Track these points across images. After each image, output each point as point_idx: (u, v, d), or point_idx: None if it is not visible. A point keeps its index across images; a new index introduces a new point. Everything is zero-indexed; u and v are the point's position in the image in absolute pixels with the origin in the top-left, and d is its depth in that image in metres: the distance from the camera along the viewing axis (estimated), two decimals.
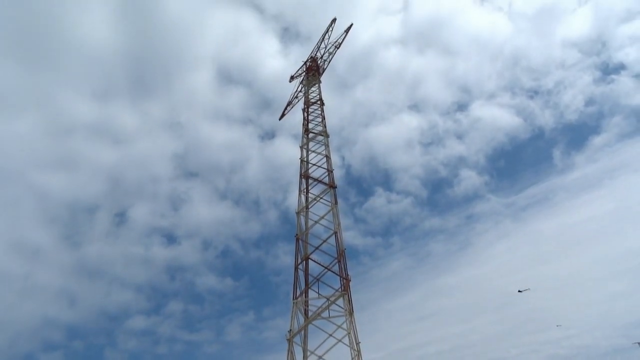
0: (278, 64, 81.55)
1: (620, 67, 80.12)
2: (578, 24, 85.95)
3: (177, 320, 71.75)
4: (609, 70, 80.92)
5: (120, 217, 76.88)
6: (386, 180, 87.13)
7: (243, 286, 79.70)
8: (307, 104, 43.66)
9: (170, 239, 78.83)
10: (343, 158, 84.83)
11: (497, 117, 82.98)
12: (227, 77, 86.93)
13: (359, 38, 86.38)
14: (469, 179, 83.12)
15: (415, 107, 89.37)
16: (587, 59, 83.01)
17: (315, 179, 40.86)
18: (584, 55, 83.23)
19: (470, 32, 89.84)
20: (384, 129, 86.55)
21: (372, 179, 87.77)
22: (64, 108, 74.54)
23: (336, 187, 40.53)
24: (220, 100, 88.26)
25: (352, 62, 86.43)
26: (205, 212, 79.89)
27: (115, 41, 78.35)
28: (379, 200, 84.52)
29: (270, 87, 77.34)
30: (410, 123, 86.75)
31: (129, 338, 68.57)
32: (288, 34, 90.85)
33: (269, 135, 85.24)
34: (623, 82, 79.48)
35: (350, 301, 48.52)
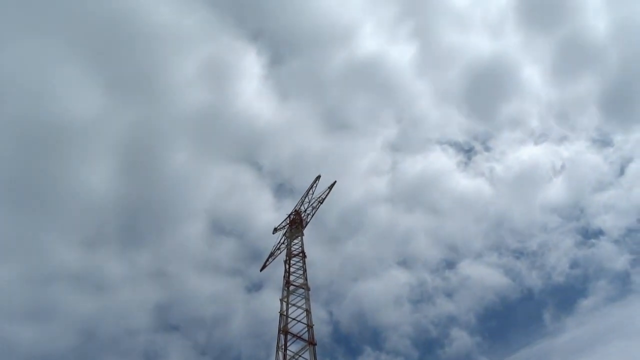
0: (271, 217, 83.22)
1: (599, 233, 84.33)
2: (555, 191, 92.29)
3: None
4: (589, 234, 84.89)
5: None
6: (375, 338, 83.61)
7: None
8: (289, 255, 43.79)
9: None
10: (331, 313, 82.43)
11: (486, 276, 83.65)
12: (220, 228, 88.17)
13: (350, 196, 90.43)
14: (461, 339, 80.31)
15: (404, 263, 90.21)
16: (568, 223, 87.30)
17: (294, 335, 38.99)
18: (564, 220, 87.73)
19: (455, 194, 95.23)
20: (374, 284, 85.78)
21: (360, 337, 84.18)
22: (49, 256, 72.96)
23: (316, 344, 38.49)
24: (211, 251, 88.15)
25: (343, 218, 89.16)
26: None
27: (113, 191, 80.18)
28: None
29: (262, 239, 77.92)
30: (399, 279, 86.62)
31: None
32: (282, 189, 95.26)
33: (255, 287, 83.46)
34: (603, 247, 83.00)
35: None
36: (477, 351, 79.86)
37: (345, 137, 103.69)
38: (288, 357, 40.25)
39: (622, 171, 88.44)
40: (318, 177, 49.86)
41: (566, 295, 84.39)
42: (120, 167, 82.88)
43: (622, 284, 77.81)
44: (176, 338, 79.95)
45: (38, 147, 73.30)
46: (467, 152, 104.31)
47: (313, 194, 49.79)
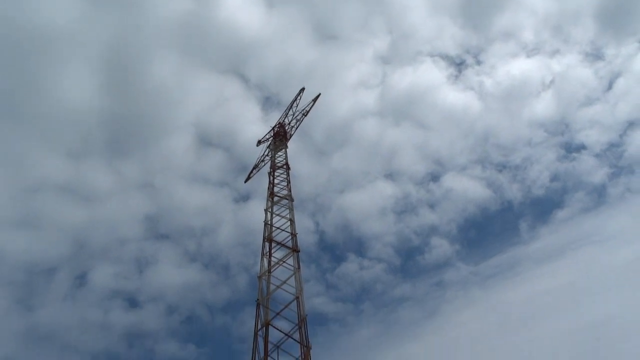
0: (258, 130, 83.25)
1: (581, 147, 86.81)
2: (543, 106, 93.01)
3: None
4: (572, 149, 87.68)
5: (80, 280, 73.69)
6: (359, 247, 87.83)
7: (206, 354, 76.17)
8: (273, 167, 44.38)
9: (132, 302, 75.64)
10: (317, 224, 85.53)
11: (468, 188, 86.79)
12: (207, 141, 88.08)
13: (338, 109, 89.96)
14: (440, 247, 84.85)
15: (390, 176, 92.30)
16: (553, 138, 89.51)
17: (278, 243, 40.72)
18: (549, 135, 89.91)
19: (443, 109, 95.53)
20: (359, 196, 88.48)
21: (345, 245, 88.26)
22: (34, 166, 72.93)
23: (299, 252, 40.37)
24: (198, 163, 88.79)
25: (330, 131, 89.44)
26: (173, 275, 77.54)
27: (96, 102, 78.65)
28: (351, 266, 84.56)
29: (249, 152, 78.36)
30: (384, 191, 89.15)
31: None
32: (269, 102, 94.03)
33: (243, 198, 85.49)
34: (584, 161, 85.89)
35: None
36: (455, 258, 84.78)
37: (335, 48, 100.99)
38: (273, 263, 42.44)
39: (610, 86, 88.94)
40: (302, 90, 49.16)
41: (543, 207, 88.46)
42: (102, 78, 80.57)
43: (597, 195, 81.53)
44: (166, 246, 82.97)
45: (16, 53, 70.57)
46: (458, 65, 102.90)
47: (297, 106, 49.41)
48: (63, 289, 73.01)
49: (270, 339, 47.51)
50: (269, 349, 48.02)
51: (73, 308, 73.18)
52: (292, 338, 47.66)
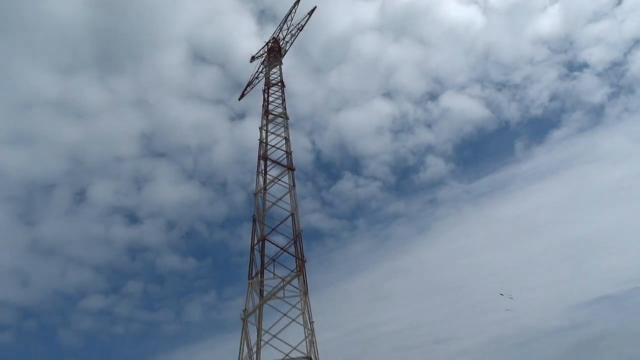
0: (253, 45, 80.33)
1: (583, 65, 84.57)
2: (548, 22, 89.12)
3: (136, 300, 70.82)
4: (574, 67, 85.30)
5: (80, 196, 74.83)
6: (355, 166, 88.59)
7: (206, 266, 79.57)
8: (268, 85, 43.50)
9: (132, 218, 77.54)
10: (314, 143, 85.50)
11: (467, 108, 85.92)
12: (200, 56, 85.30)
13: (336, 23, 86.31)
14: (435, 166, 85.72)
15: (388, 94, 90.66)
16: (555, 56, 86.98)
17: (273, 161, 40.99)
18: (552, 52, 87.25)
19: (445, 24, 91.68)
20: (356, 115, 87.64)
21: (341, 164, 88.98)
22: (24, 81, 71.23)
23: (294, 170, 40.80)
24: (192, 79, 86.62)
25: (327, 47, 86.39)
26: (171, 192, 78.79)
27: (84, 15, 75.11)
28: (346, 184, 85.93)
29: (244, 69, 76.34)
30: (382, 110, 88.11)
31: (83, 318, 67.17)
32: (265, 16, 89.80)
33: (239, 116, 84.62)
34: (585, 80, 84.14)
35: (305, 282, 49.28)
36: (449, 177, 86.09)
37: None
38: (268, 181, 42.99)
39: (619, 1, 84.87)
40: (297, 2, 46.83)
41: (540, 127, 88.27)
42: None
43: (595, 115, 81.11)
44: (163, 164, 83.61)
45: None
46: None
47: (292, 20, 47.34)
48: (63, 204, 74.57)
49: (266, 253, 49.43)
50: (265, 262, 50.15)
51: (74, 223, 75.24)
52: (287, 252, 49.50)
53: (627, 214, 67.00)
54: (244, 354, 45.87)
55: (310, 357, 45.49)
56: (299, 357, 45.82)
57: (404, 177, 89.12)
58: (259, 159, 41.58)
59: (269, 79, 44.31)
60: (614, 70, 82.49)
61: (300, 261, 47.75)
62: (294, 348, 45.85)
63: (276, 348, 46.45)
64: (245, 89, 49.25)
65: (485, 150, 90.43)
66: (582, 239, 67.69)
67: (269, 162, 41.91)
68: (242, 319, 47.23)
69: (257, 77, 47.84)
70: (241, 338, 46.54)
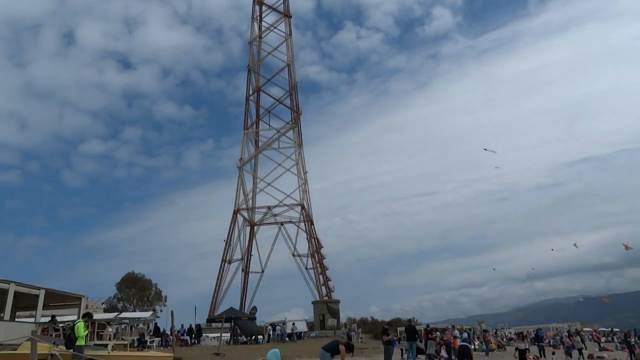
0: None
1: None
2: None
3: (136, 146, 72.42)
4: None
5: (69, 38, 71.47)
6: (358, 15, 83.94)
7: (203, 116, 79.98)
8: None
9: (126, 64, 75.35)
10: None
11: None
12: None
13: None
14: (442, 18, 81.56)
15: None
16: None
17: (269, 6, 38.52)
18: None
19: None
20: None
21: (343, 13, 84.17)
22: None
23: (291, 17, 38.55)
24: None
25: None
26: (164, 37, 75.34)
27: None
28: (348, 35, 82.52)
29: None
30: None
31: (85, 161, 69.21)
32: None
33: None
34: None
35: (300, 134, 50.14)
36: (455, 30, 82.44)
37: None
38: (263, 29, 40.81)
39: None
40: None
41: None
42: None
43: None
44: (154, 5, 78.39)
45: None
46: None
47: None
48: (52, 46, 71.54)
49: (262, 104, 49.19)
50: (260, 114, 50.12)
51: (66, 67, 73.10)
52: (282, 104, 49.34)
53: (628, 76, 65.99)
54: (240, 199, 48.56)
55: (303, 204, 48.34)
56: (292, 204, 48.68)
57: (408, 30, 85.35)
58: (253, 3, 38.90)
59: None
60: None
61: (296, 113, 47.87)
62: (288, 195, 48.60)
63: (270, 195, 49.15)
64: None
65: (497, 2, 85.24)
66: (577, 100, 67.89)
67: (264, 8, 39.32)
68: (238, 167, 48.99)
69: None
70: (237, 185, 48.85)
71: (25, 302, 18.08)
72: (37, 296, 17.08)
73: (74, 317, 15.31)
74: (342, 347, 8.97)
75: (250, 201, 49.58)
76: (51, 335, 16.44)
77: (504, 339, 35.20)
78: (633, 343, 25.67)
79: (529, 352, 21.42)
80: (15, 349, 10.57)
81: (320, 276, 46.62)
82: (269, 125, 51.18)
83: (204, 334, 31.00)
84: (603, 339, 35.60)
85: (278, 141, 49.93)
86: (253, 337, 31.81)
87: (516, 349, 17.92)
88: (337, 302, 40.72)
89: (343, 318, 42.07)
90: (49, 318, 19.22)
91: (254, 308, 44.14)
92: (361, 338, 34.93)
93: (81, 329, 9.63)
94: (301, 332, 35.75)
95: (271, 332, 34.27)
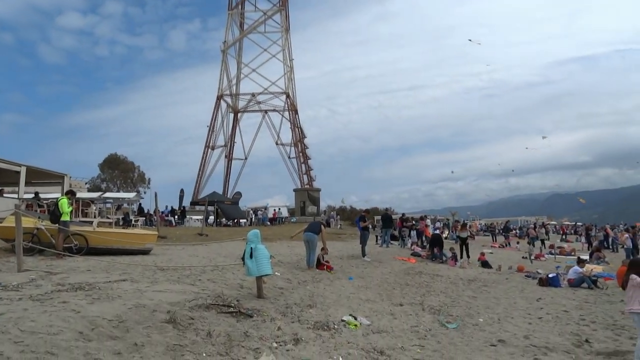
0: None
1: None
2: None
3: (117, 22, 67.76)
4: None
5: None
6: None
7: None
8: None
9: None
10: None
11: None
12: None
13: None
14: None
15: None
16: None
17: None
18: None
19: None
20: None
21: None
22: None
23: None
24: None
25: None
26: None
27: None
28: None
29: None
30: None
31: (63, 35, 64.98)
32: None
33: None
34: None
35: (287, 18, 47.65)
36: None
37: None
38: None
39: None
40: None
41: None
42: None
43: None
44: None
45: None
46: None
47: None
48: None
49: None
50: None
51: None
52: None
53: None
54: (224, 85, 47.31)
55: (288, 92, 47.43)
56: (277, 92, 47.74)
57: None
58: None
59: None
60: None
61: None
62: (273, 83, 47.44)
63: (255, 82, 47.94)
64: None
65: None
66: None
67: None
68: (222, 50, 46.98)
69: None
70: (221, 69, 47.25)
71: (5, 179, 18.07)
72: (18, 172, 17.03)
73: (58, 195, 15.45)
74: (323, 227, 11.10)
75: (234, 87, 48.42)
76: (35, 211, 16.72)
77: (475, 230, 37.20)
78: (593, 235, 27.64)
79: (474, 239, 22.63)
80: (0, 222, 10.75)
81: (303, 165, 47.38)
82: (255, 7, 48.31)
83: (187, 216, 32.02)
84: (568, 232, 38.06)
85: (264, 24, 47.50)
86: (236, 221, 33.04)
87: (458, 236, 18.62)
88: (318, 190, 41.94)
89: (323, 206, 43.67)
90: (32, 195, 19.42)
91: (238, 193, 45.28)
92: (340, 224, 36.60)
93: (65, 205, 9.76)
94: (283, 218, 37.25)
95: (253, 216, 35.62)
